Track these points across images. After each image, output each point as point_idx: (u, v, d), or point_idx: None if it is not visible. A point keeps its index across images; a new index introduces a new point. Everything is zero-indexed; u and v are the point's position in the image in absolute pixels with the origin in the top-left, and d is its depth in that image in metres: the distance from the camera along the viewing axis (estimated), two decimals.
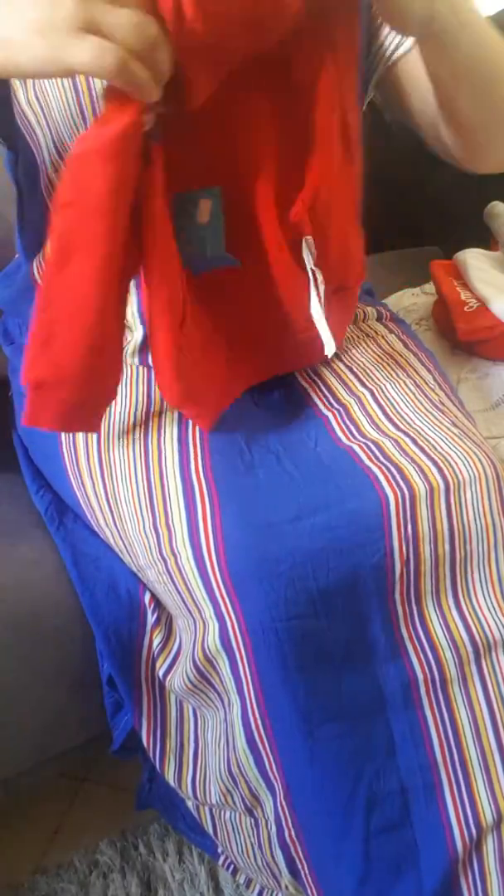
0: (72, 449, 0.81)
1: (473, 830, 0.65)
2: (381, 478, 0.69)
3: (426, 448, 0.71)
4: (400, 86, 0.79)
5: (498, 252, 1.20)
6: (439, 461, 0.70)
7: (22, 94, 0.73)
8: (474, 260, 1.14)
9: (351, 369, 0.81)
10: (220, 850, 0.89)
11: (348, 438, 0.74)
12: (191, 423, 0.75)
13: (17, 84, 0.72)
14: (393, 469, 0.70)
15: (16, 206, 0.85)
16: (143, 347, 0.80)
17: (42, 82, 0.71)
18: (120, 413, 0.78)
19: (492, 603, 0.70)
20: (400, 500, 0.67)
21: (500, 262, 1.17)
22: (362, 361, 0.83)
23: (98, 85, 0.68)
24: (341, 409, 0.78)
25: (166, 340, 0.64)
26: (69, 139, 0.72)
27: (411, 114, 0.81)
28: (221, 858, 0.90)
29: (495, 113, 0.73)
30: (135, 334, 0.79)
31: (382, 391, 0.79)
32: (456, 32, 0.63)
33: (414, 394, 0.79)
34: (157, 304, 0.63)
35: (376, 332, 0.88)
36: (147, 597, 0.78)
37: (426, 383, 0.83)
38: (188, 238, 0.65)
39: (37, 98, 0.72)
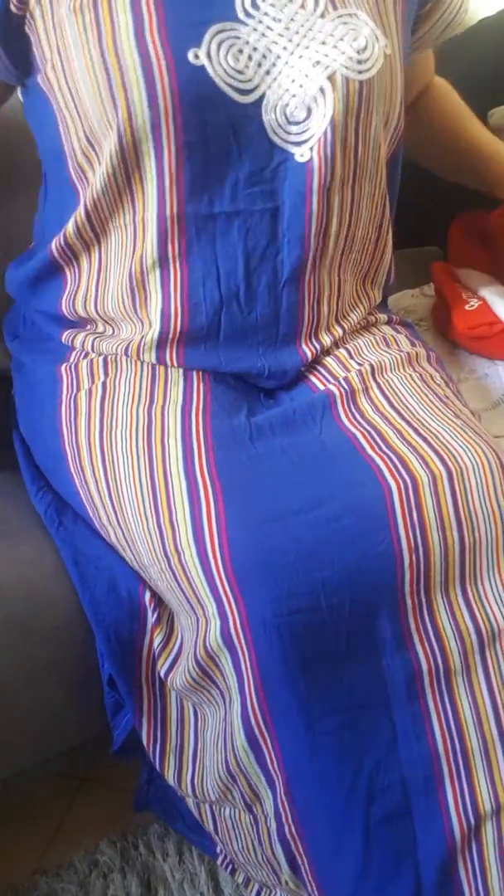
0: (74, 447, 0.81)
1: (472, 819, 0.66)
2: (383, 467, 0.69)
3: (428, 437, 0.72)
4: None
5: None
6: (441, 450, 0.71)
7: (52, 76, 0.73)
8: None
9: (361, 365, 0.82)
10: (218, 849, 0.89)
11: (352, 422, 0.75)
12: (194, 417, 0.75)
13: (49, 57, 0.73)
14: (395, 458, 0.70)
15: (43, 185, 0.86)
16: (161, 343, 0.80)
17: (73, 68, 0.71)
18: (123, 410, 0.78)
19: (498, 591, 0.70)
20: (403, 489, 0.68)
21: None
22: (372, 359, 0.83)
23: (132, 69, 0.67)
24: (348, 390, 0.78)
25: None
26: (98, 127, 0.72)
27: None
28: (220, 857, 0.90)
29: None
30: (153, 327, 0.79)
31: (390, 385, 0.80)
32: None
33: (419, 387, 0.80)
34: None
35: (385, 334, 0.89)
36: (147, 596, 0.78)
37: (432, 379, 0.84)
38: None
39: (67, 84, 0.73)
